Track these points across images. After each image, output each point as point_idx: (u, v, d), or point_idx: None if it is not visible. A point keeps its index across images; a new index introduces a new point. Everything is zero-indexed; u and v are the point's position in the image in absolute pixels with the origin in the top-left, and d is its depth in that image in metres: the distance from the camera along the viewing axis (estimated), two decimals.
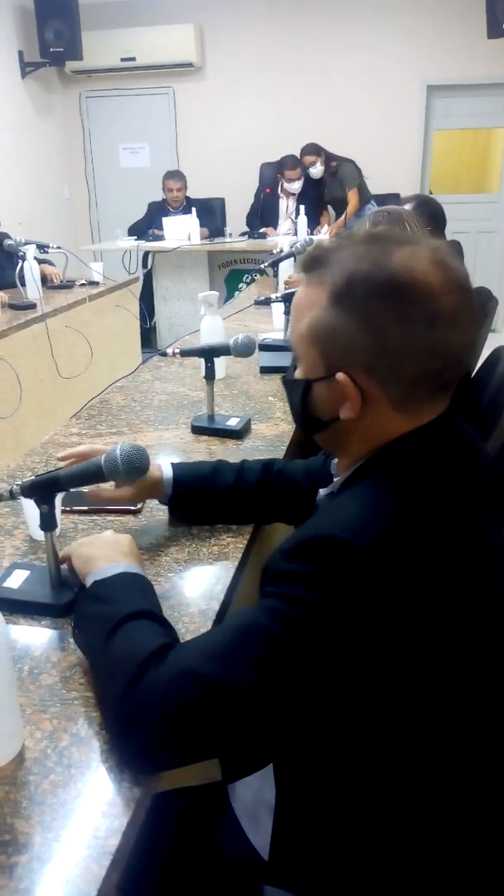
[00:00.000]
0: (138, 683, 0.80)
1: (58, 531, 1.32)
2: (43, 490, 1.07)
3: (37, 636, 1.06)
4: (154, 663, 0.81)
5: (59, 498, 1.30)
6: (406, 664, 0.77)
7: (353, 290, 0.83)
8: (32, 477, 1.07)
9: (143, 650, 0.83)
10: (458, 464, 0.85)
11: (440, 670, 0.79)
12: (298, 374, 0.93)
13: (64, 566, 1.13)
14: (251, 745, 0.82)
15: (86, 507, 1.40)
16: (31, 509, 1.13)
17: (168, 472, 1.30)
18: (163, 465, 1.31)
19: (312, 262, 0.88)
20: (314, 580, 0.76)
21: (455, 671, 0.80)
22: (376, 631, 0.75)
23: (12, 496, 1.06)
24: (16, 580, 1.16)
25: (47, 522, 1.09)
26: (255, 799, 1.08)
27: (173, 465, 1.32)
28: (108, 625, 0.89)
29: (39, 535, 1.23)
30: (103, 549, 1.05)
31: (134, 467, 1.04)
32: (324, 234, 5.64)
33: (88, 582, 1.01)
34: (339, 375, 0.85)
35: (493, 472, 0.94)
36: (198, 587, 1.18)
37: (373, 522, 0.78)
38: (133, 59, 6.81)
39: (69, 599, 1.09)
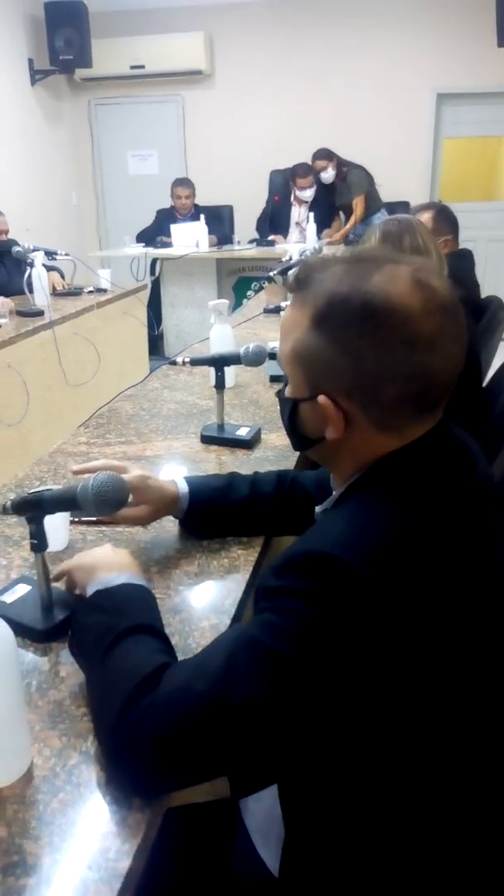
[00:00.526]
0: (135, 704, 0.79)
1: (63, 545, 1.32)
2: (27, 510, 1.03)
3: (45, 651, 1.05)
4: (151, 684, 0.80)
5: (63, 515, 1.29)
6: (405, 677, 0.75)
7: (331, 313, 0.83)
8: (25, 494, 1.05)
9: (141, 670, 0.82)
10: (450, 475, 0.84)
11: (441, 682, 0.78)
12: (287, 392, 0.93)
13: (59, 584, 1.11)
14: (251, 762, 0.81)
15: (94, 518, 1.39)
16: (46, 520, 1.10)
17: (183, 487, 1.29)
18: (177, 480, 1.30)
19: (297, 282, 0.88)
20: (305, 595, 0.76)
21: (457, 680, 0.79)
22: (371, 645, 0.74)
23: (5, 511, 1.05)
24: (14, 595, 1.14)
25: (36, 543, 1.05)
26: (267, 815, 1.06)
27: (186, 478, 1.31)
28: (107, 638, 0.88)
29: (54, 546, 1.22)
30: (106, 560, 1.04)
31: (104, 500, 0.98)
32: (327, 242, 5.64)
33: (90, 591, 0.99)
34: (321, 398, 0.85)
35: (495, 481, 0.92)
36: (208, 601, 1.17)
37: (360, 537, 0.78)
38: (142, 66, 6.85)
39: (53, 625, 1.07)
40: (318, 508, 1.03)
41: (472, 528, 0.83)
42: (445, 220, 2.89)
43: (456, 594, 0.78)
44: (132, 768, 0.80)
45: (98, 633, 0.90)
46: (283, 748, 0.79)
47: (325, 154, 5.80)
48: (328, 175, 5.83)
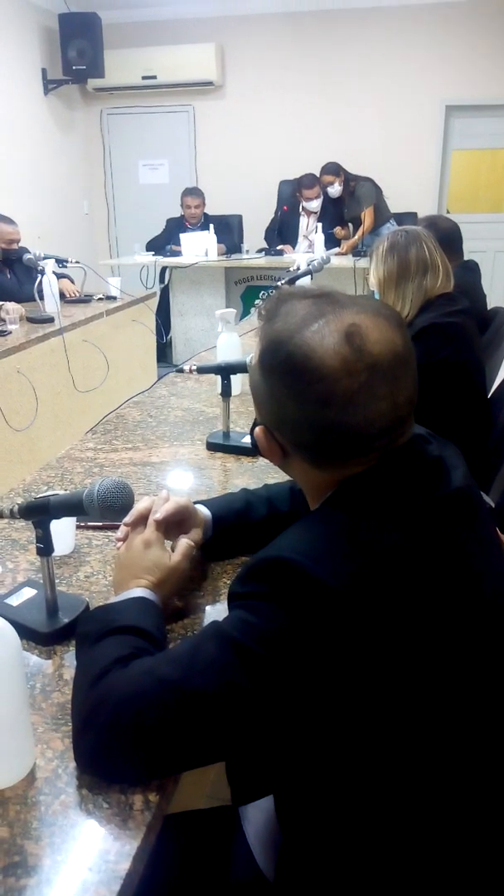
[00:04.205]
0: (103, 679, 0.84)
1: (69, 550, 1.33)
2: (34, 514, 1.05)
3: (49, 654, 1.06)
4: (119, 666, 0.85)
5: (70, 519, 1.29)
6: (368, 681, 0.76)
7: (265, 357, 0.87)
8: (33, 499, 1.07)
9: (112, 655, 0.87)
10: (415, 487, 0.84)
11: (406, 683, 0.78)
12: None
13: (64, 588, 1.13)
14: (209, 750, 0.82)
15: (100, 524, 1.40)
16: (53, 524, 1.11)
17: (206, 513, 1.26)
18: (198, 507, 1.26)
19: (265, 312, 0.91)
20: (265, 596, 0.79)
21: (435, 686, 0.79)
22: (329, 645, 0.75)
23: (12, 515, 1.06)
24: (20, 598, 1.16)
25: (43, 547, 1.07)
26: (266, 822, 1.07)
27: (203, 503, 1.27)
28: (95, 635, 0.93)
29: (60, 550, 1.23)
30: (125, 571, 1.08)
31: (109, 506, 0.99)
32: (335, 252, 5.65)
33: (99, 604, 1.05)
34: (258, 429, 0.92)
35: (473, 493, 0.91)
36: (212, 606, 1.17)
37: (312, 541, 0.81)
38: (154, 77, 6.89)
39: (57, 628, 1.08)
40: None
41: (438, 536, 0.82)
42: (434, 234, 2.87)
43: (419, 597, 0.78)
44: (93, 739, 0.82)
45: (89, 637, 0.94)
46: (241, 740, 0.81)
47: (332, 169, 5.81)
48: (335, 190, 5.84)
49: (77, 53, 6.32)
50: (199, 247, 5.76)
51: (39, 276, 3.61)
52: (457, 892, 0.86)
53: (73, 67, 6.36)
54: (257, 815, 1.09)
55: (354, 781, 0.82)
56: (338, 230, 5.91)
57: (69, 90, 6.97)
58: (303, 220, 6.14)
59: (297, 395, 0.83)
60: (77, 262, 3.86)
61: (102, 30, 6.35)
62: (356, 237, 5.81)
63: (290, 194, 6.20)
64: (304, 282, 3.19)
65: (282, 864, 0.98)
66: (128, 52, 6.81)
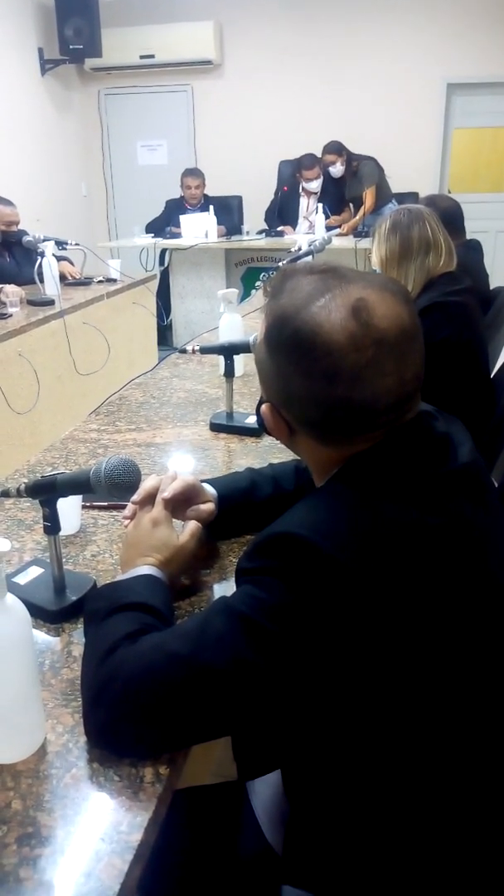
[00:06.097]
0: (112, 655, 0.85)
1: (75, 529, 1.34)
2: (41, 492, 1.05)
3: (57, 631, 1.07)
4: (128, 641, 0.86)
5: (75, 499, 1.30)
6: (376, 655, 0.77)
7: (271, 334, 0.87)
8: (38, 478, 1.07)
9: (122, 631, 0.88)
10: (421, 463, 0.84)
11: (414, 658, 0.78)
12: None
13: (71, 566, 1.13)
14: (221, 723, 0.83)
15: (105, 503, 1.40)
16: (59, 504, 1.12)
17: (213, 492, 1.26)
18: (204, 485, 1.26)
19: (268, 291, 0.90)
20: (274, 571, 0.79)
21: (442, 663, 0.80)
22: (337, 620, 0.75)
23: (19, 494, 1.07)
24: (27, 576, 1.17)
25: (49, 525, 1.07)
26: (273, 796, 1.08)
27: (209, 482, 1.27)
28: (104, 612, 0.93)
29: (66, 529, 1.23)
30: (133, 549, 1.08)
31: (116, 484, 1.00)
32: (337, 233, 5.61)
33: (106, 581, 1.05)
34: (264, 406, 0.92)
35: (480, 469, 0.91)
36: (218, 584, 1.18)
37: (318, 516, 0.82)
38: (152, 56, 6.83)
39: (65, 606, 1.09)
40: None
41: (445, 511, 0.83)
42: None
43: (428, 571, 0.79)
44: (103, 714, 0.83)
45: (97, 614, 0.94)
46: (250, 714, 0.82)
47: (335, 148, 5.75)
48: (337, 170, 5.79)
49: (74, 32, 6.25)
50: (198, 228, 5.72)
51: (39, 258, 3.59)
52: (463, 866, 0.87)
53: (70, 47, 6.30)
54: (265, 790, 1.11)
55: (362, 754, 0.83)
56: (341, 225, 5.85)
57: (66, 70, 6.90)
58: (303, 201, 6.10)
59: (303, 371, 0.83)
60: (77, 245, 3.84)
61: (99, 8, 6.27)
62: (357, 217, 5.77)
63: (291, 175, 6.15)
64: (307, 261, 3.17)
65: (290, 836, 0.99)
66: (125, 30, 6.73)
